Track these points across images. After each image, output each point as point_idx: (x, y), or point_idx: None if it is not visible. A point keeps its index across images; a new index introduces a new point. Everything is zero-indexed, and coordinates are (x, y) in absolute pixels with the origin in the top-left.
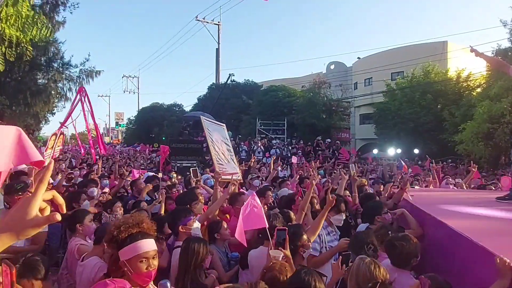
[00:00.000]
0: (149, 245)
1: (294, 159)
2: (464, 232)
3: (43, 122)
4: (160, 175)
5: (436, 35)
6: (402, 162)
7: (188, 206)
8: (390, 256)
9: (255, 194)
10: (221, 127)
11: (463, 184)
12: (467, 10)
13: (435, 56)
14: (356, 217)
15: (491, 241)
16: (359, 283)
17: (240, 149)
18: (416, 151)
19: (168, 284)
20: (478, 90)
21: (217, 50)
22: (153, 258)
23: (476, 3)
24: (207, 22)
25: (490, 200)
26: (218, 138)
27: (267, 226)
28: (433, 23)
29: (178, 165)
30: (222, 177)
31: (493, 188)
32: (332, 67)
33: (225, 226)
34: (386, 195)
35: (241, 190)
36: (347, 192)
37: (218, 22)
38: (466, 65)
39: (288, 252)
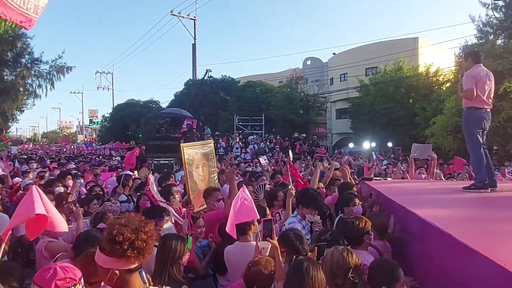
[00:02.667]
0: None
1: (262, 160)
2: (432, 220)
3: (11, 120)
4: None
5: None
6: (374, 155)
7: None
8: (344, 235)
9: (244, 186)
10: (206, 146)
11: (441, 174)
12: (437, 6)
13: (406, 52)
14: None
15: (457, 228)
16: (333, 270)
17: (218, 145)
18: (389, 144)
19: (144, 273)
20: (448, 85)
21: (194, 45)
22: None
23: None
24: (183, 17)
25: (457, 190)
26: (200, 163)
27: (258, 217)
28: (405, 20)
29: (155, 162)
30: (196, 210)
31: (455, 179)
32: (309, 62)
33: (202, 224)
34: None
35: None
36: (321, 184)
37: (194, 17)
38: (435, 60)
39: (275, 243)
